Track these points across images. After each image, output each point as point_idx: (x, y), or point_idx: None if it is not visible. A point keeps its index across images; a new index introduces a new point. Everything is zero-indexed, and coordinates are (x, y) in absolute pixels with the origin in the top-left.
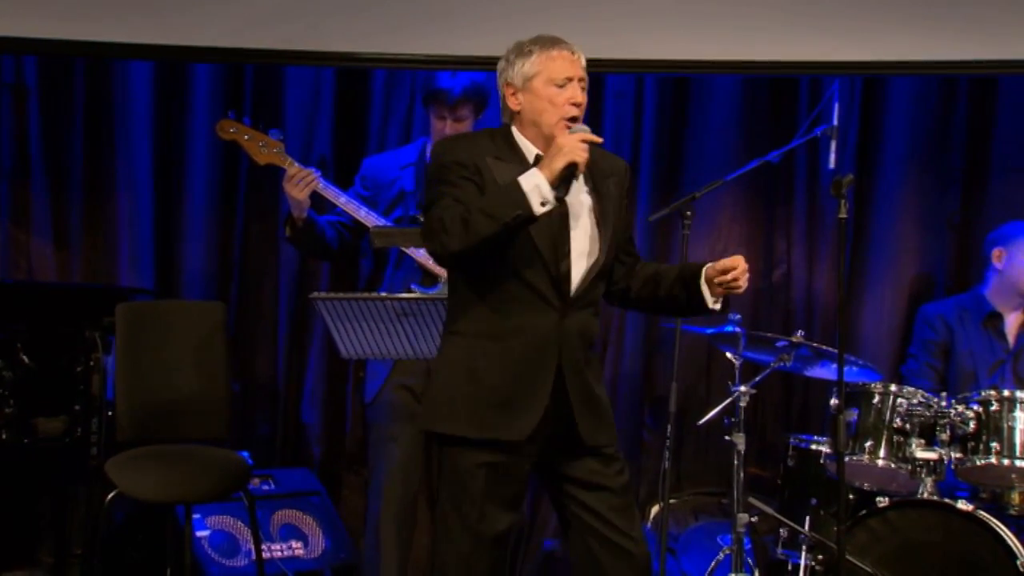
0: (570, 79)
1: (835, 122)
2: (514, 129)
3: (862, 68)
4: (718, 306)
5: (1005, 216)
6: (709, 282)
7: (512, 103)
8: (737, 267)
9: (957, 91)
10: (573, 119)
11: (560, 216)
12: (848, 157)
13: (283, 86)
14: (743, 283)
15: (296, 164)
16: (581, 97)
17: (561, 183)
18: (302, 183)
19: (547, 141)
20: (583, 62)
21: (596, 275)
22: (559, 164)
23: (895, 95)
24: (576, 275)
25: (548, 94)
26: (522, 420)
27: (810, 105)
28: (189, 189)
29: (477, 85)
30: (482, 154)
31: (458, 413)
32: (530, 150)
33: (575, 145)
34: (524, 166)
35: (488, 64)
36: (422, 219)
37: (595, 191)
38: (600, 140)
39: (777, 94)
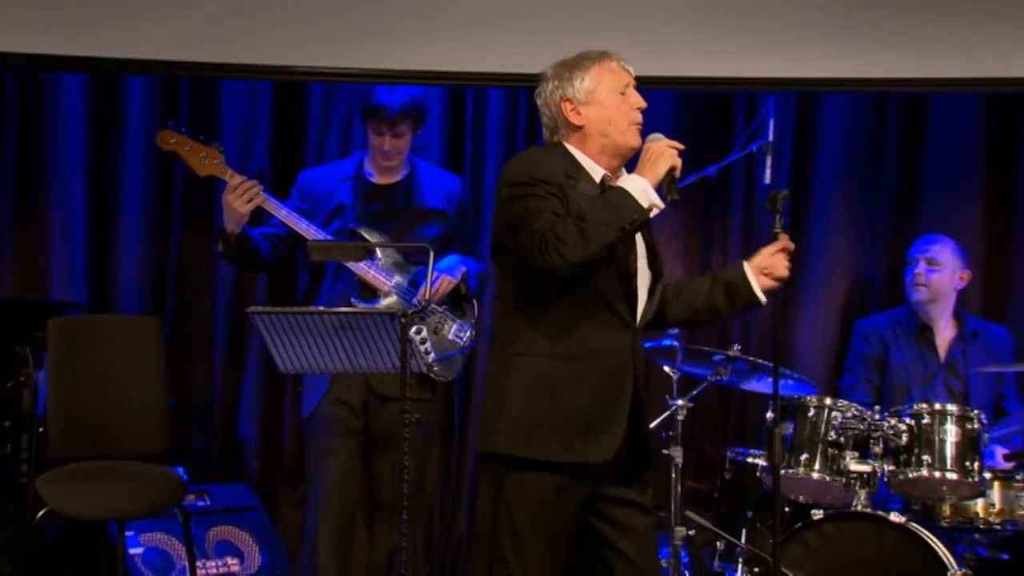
0: (628, 85)
1: (770, 138)
2: (569, 147)
3: (796, 84)
4: (764, 297)
5: (933, 231)
6: (755, 274)
7: (575, 119)
8: (785, 248)
9: (889, 108)
10: (638, 123)
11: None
12: (784, 172)
13: (219, 100)
14: (780, 269)
15: (238, 175)
16: (643, 102)
17: (669, 186)
18: (245, 195)
19: (611, 153)
20: (632, 69)
21: (658, 294)
22: (663, 168)
23: (829, 111)
24: (642, 294)
25: (614, 102)
26: (605, 441)
27: (746, 121)
28: (123, 202)
29: (415, 100)
30: (559, 171)
31: (541, 436)
32: (595, 169)
33: (670, 150)
34: (592, 185)
35: (426, 79)
36: (510, 236)
37: (676, 203)
38: (682, 147)
39: (714, 109)
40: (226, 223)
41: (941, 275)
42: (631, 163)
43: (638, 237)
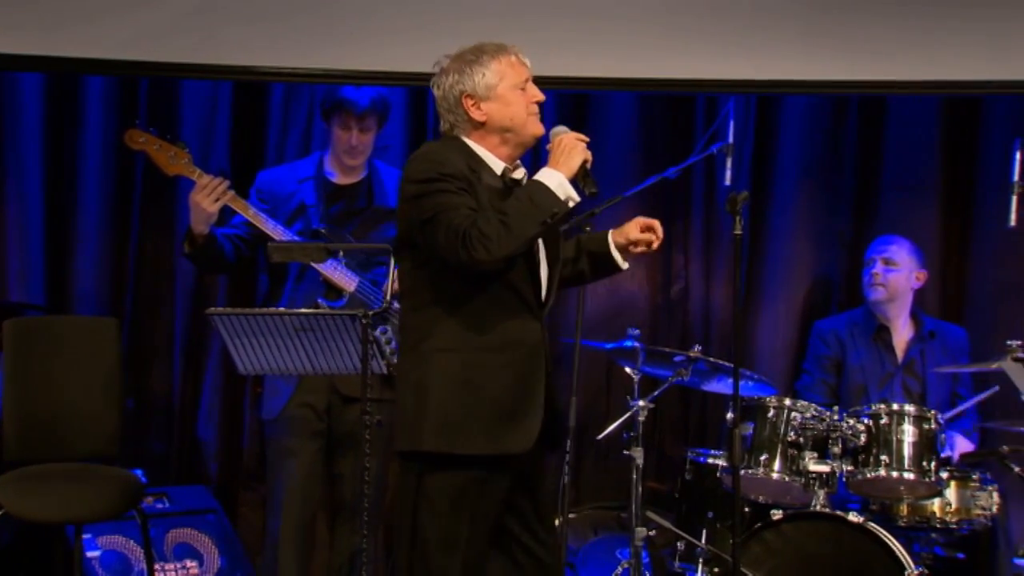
0: (527, 80)
1: (731, 139)
2: (467, 140)
3: (756, 87)
4: (626, 264)
5: (892, 232)
6: (618, 247)
7: (476, 114)
8: (651, 226)
9: (848, 111)
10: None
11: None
12: (744, 174)
13: (179, 99)
14: (656, 244)
15: (206, 175)
16: (542, 95)
17: (584, 179)
18: (213, 194)
19: (513, 144)
20: (528, 62)
21: (555, 279)
22: (576, 161)
23: (788, 113)
24: (544, 282)
25: (515, 98)
26: (526, 430)
27: (706, 122)
28: (82, 203)
29: (383, 97)
30: (461, 167)
31: (466, 431)
32: (495, 162)
33: (580, 144)
34: (493, 177)
35: (387, 79)
36: (423, 233)
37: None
38: (588, 139)
39: (674, 111)
40: (194, 223)
41: (898, 275)
42: (533, 156)
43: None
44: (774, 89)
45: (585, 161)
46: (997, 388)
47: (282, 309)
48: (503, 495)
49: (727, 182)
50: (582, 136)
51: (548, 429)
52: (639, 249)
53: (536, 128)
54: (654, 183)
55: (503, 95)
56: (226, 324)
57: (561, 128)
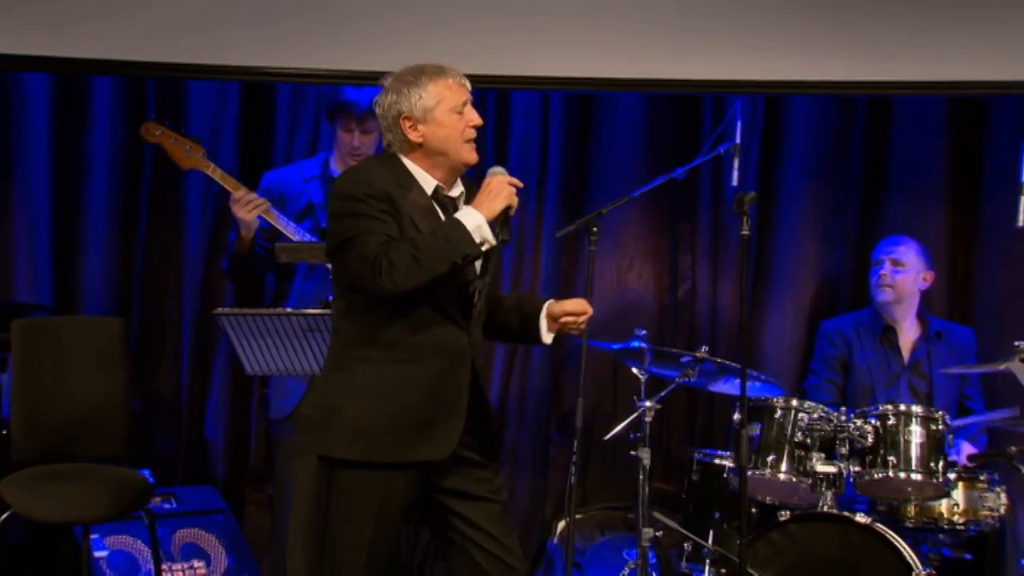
0: (465, 103)
1: (738, 140)
2: (404, 159)
3: (763, 87)
4: (550, 339)
5: (898, 232)
6: (550, 317)
7: (412, 135)
8: (584, 312)
9: (854, 111)
10: (470, 141)
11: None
12: (751, 174)
13: (186, 100)
14: (582, 326)
15: (242, 187)
16: (479, 119)
17: (502, 225)
18: (249, 205)
19: (447, 168)
20: (468, 85)
21: (488, 295)
22: (498, 206)
23: (795, 114)
24: (476, 295)
25: (451, 122)
26: (440, 439)
27: (714, 123)
28: (89, 203)
29: None
30: (390, 184)
31: (377, 437)
32: (427, 180)
33: (508, 189)
34: (423, 195)
35: None
36: (340, 253)
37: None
38: (521, 184)
39: (681, 112)
40: (242, 229)
41: (906, 276)
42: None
43: None
44: (781, 90)
45: (508, 207)
46: (1016, 412)
47: (289, 310)
48: (409, 498)
49: (734, 183)
50: (515, 181)
51: (481, 438)
52: (567, 326)
53: (468, 156)
54: (661, 183)
55: (439, 118)
56: (233, 324)
57: (497, 169)
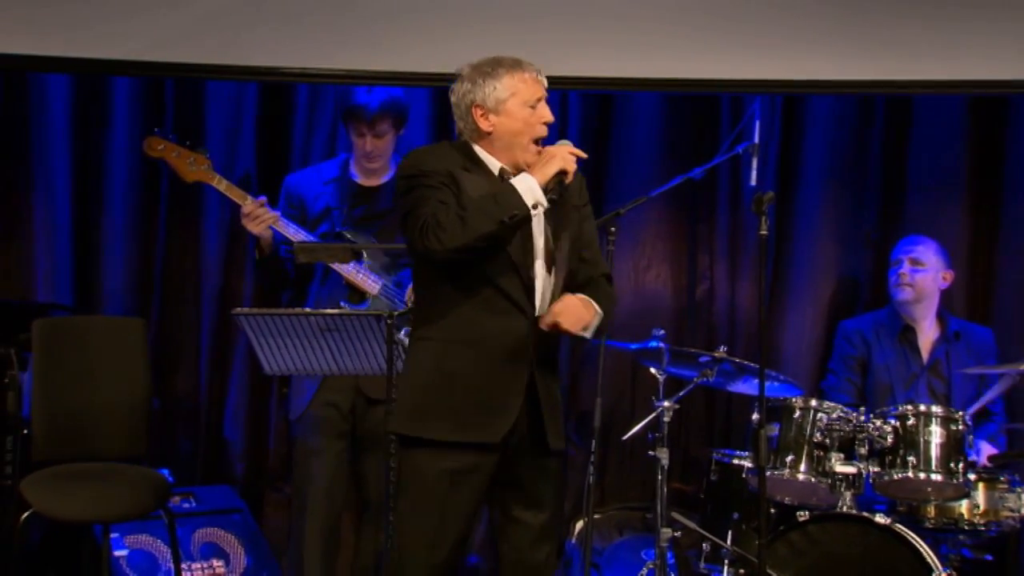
0: (540, 99)
1: (756, 139)
2: (474, 145)
3: (782, 87)
4: (587, 333)
5: (918, 232)
6: None
7: (484, 124)
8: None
9: (874, 110)
10: (543, 139)
11: (527, 227)
12: (769, 174)
13: (205, 101)
14: (569, 326)
15: (250, 198)
16: (551, 116)
17: (554, 187)
18: (257, 220)
19: (512, 161)
20: (545, 81)
21: (563, 286)
22: (552, 169)
23: (814, 113)
24: (539, 284)
25: (523, 115)
26: (497, 421)
27: (732, 122)
28: (109, 204)
29: (395, 100)
30: (453, 164)
31: (432, 415)
32: (494, 164)
33: (566, 154)
34: (490, 178)
35: (411, 80)
36: (404, 228)
37: (554, 203)
38: (585, 155)
39: (699, 111)
40: (259, 239)
41: (925, 275)
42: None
43: (542, 226)
44: (800, 89)
45: (561, 171)
46: (1018, 373)
47: (308, 309)
48: (479, 481)
49: (753, 182)
50: (577, 151)
51: (535, 430)
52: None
53: (531, 158)
54: (679, 183)
55: (511, 110)
56: (252, 324)
57: (563, 142)
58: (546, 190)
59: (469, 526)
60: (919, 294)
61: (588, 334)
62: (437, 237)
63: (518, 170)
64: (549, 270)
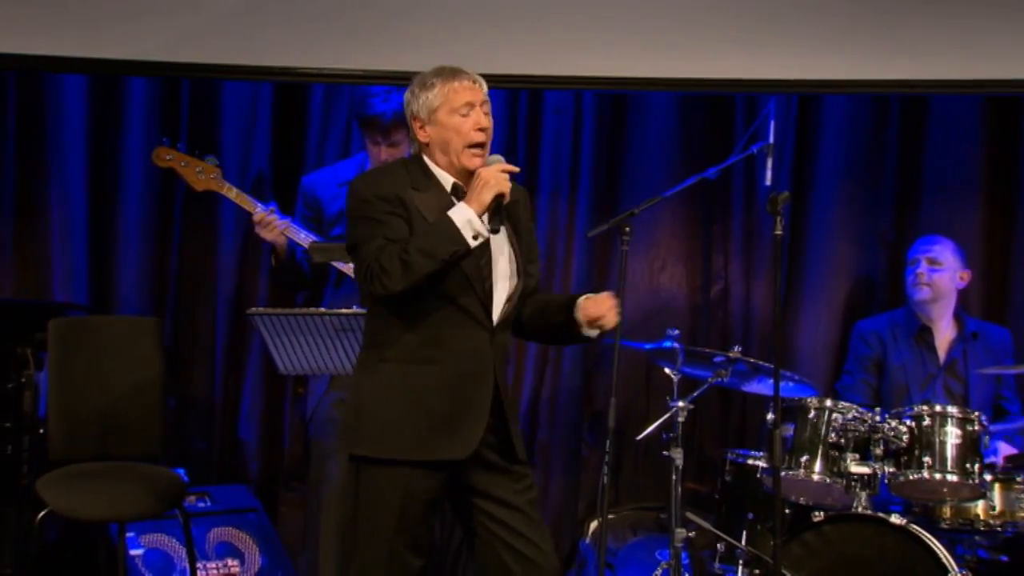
0: (471, 105)
1: (771, 139)
2: (426, 158)
3: (797, 86)
4: (594, 333)
5: (934, 232)
6: (584, 317)
7: (421, 135)
8: (603, 305)
9: (889, 110)
10: (479, 144)
11: (483, 242)
12: (784, 174)
13: (220, 101)
14: (610, 321)
15: (259, 205)
16: (485, 121)
17: (493, 215)
18: (268, 227)
19: (459, 169)
20: (485, 88)
21: (517, 297)
22: (487, 196)
23: (829, 113)
24: (498, 298)
25: (453, 123)
26: (465, 438)
27: (746, 122)
28: (124, 204)
29: None
30: (402, 186)
31: (397, 436)
32: (445, 178)
33: (499, 176)
34: (442, 193)
35: None
36: (352, 257)
37: (508, 217)
38: (517, 169)
39: (714, 111)
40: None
41: (942, 275)
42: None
43: (499, 241)
44: (815, 89)
45: (500, 195)
46: None
47: (322, 309)
48: (435, 496)
49: (767, 182)
50: (509, 167)
51: (507, 439)
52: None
53: (468, 161)
54: (694, 183)
55: (441, 119)
56: (267, 324)
57: (494, 158)
58: (492, 222)
59: (430, 541)
60: (936, 294)
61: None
62: (382, 283)
63: (469, 179)
64: (509, 282)
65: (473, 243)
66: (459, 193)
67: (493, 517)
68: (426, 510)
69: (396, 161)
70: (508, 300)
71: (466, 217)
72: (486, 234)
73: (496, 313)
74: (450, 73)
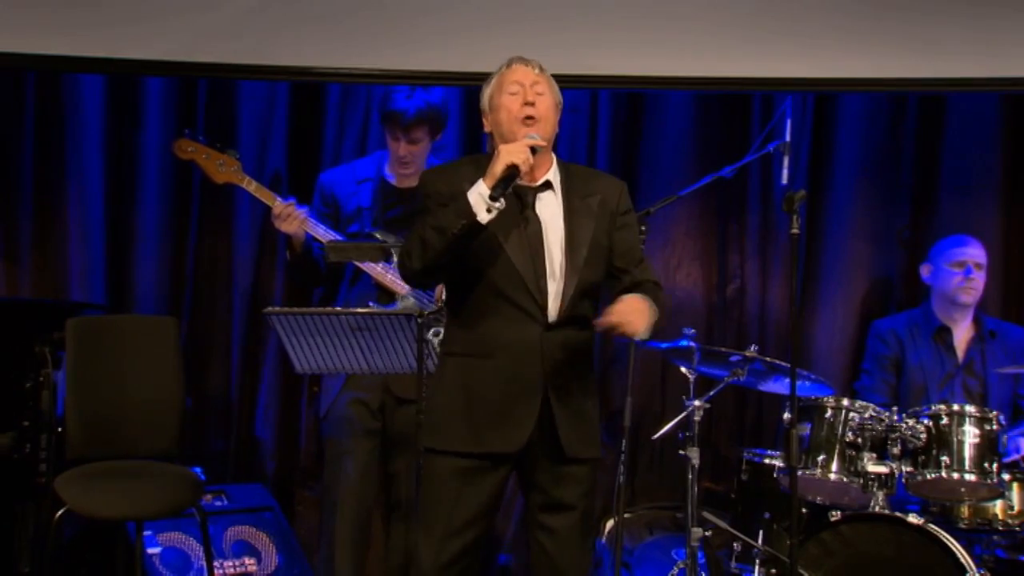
0: (520, 84)
1: (787, 138)
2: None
3: (813, 85)
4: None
5: (953, 232)
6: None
7: (487, 126)
8: (612, 319)
9: (906, 108)
10: (529, 118)
11: (535, 235)
12: (800, 173)
13: (236, 101)
14: (632, 329)
15: (278, 199)
16: (532, 96)
17: (499, 184)
18: (288, 220)
19: None
20: (535, 68)
21: (574, 293)
22: (497, 168)
23: (846, 112)
24: (552, 292)
25: (504, 103)
26: (515, 432)
27: (763, 121)
28: (142, 203)
29: (432, 107)
30: (461, 181)
31: (451, 428)
32: None
33: (516, 148)
34: None
35: (443, 79)
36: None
37: (568, 209)
38: (543, 143)
39: (730, 110)
40: (291, 238)
41: (984, 277)
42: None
43: (555, 235)
44: (832, 87)
45: (511, 166)
46: None
47: (338, 308)
48: (493, 488)
49: (784, 181)
50: (532, 141)
51: (551, 438)
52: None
53: (519, 133)
54: (710, 182)
55: (496, 104)
56: (283, 323)
57: (531, 134)
58: (494, 190)
59: (482, 525)
60: (979, 296)
61: (642, 336)
62: (404, 264)
63: (536, 171)
64: (564, 278)
65: (485, 216)
66: (518, 185)
67: (534, 514)
68: (481, 503)
69: (469, 157)
70: (563, 295)
71: (477, 191)
72: (497, 206)
73: (552, 308)
74: (507, 62)
